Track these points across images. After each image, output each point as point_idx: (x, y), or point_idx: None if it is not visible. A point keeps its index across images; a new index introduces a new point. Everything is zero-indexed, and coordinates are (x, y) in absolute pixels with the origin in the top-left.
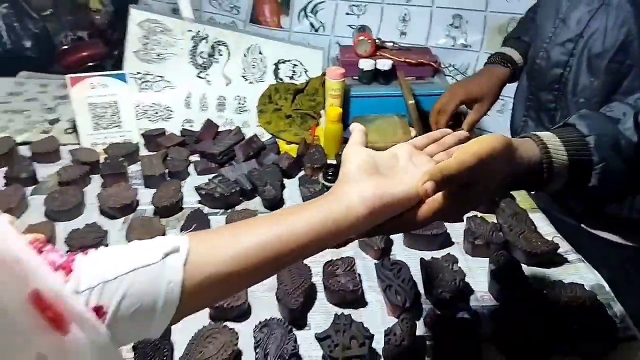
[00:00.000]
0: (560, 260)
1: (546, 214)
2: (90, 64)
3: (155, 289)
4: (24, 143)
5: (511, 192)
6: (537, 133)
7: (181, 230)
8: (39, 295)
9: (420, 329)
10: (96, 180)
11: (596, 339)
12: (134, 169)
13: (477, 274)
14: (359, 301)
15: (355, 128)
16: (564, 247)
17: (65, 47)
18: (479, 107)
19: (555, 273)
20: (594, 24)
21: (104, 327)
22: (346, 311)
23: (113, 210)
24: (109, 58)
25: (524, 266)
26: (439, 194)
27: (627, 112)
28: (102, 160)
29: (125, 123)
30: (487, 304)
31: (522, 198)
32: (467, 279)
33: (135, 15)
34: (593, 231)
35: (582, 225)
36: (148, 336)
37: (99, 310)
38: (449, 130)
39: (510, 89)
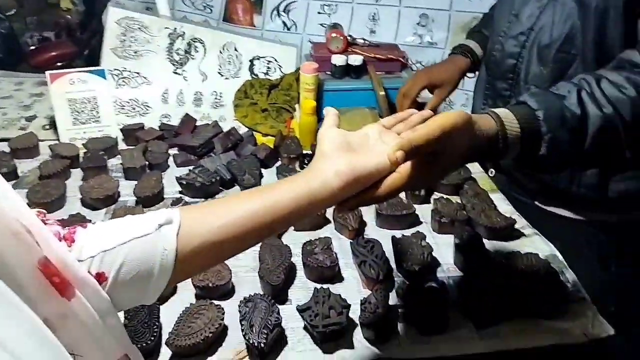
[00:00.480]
0: (518, 234)
1: (504, 194)
2: (59, 63)
3: (152, 257)
4: (2, 140)
5: (473, 176)
6: (494, 109)
7: None
8: (48, 262)
9: (393, 299)
10: (76, 174)
11: (550, 301)
12: (113, 162)
13: (444, 248)
14: (336, 277)
15: (329, 112)
16: (521, 223)
17: (33, 47)
18: (439, 92)
19: (513, 245)
20: (543, 19)
21: (105, 293)
22: (324, 286)
23: (96, 201)
24: (78, 58)
25: (485, 240)
26: (408, 164)
27: (571, 89)
28: (81, 154)
29: (104, 118)
30: (452, 275)
31: (483, 181)
32: (434, 253)
33: (114, 13)
34: (546, 207)
35: (536, 202)
36: (145, 301)
37: (100, 277)
38: (414, 110)
39: (473, 84)
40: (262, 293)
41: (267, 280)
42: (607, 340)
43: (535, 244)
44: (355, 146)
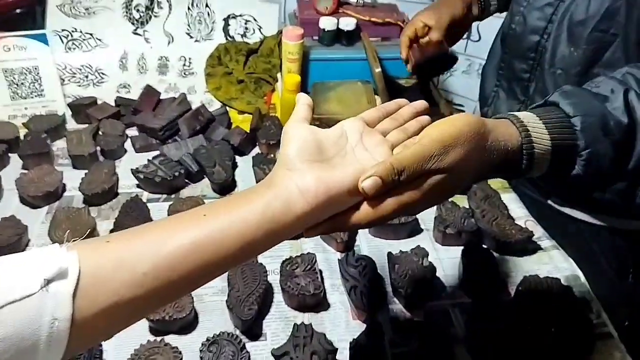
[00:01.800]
0: (534, 248)
1: (515, 190)
2: (19, 10)
3: (35, 330)
4: None
5: None
6: (515, 113)
7: (115, 224)
8: None
9: (388, 332)
10: (16, 161)
11: (574, 340)
12: (59, 145)
13: (448, 265)
14: (321, 304)
15: (300, 100)
16: (537, 232)
17: None
18: (438, 20)
19: (529, 262)
20: None
21: None
22: (307, 315)
23: (35, 199)
24: (39, 4)
25: (496, 255)
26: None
27: (615, 88)
28: (22, 136)
29: (49, 92)
30: (458, 301)
31: None
32: (437, 272)
33: None
34: (560, 208)
35: (549, 202)
36: None
37: None
38: (404, 100)
39: (477, 49)
40: (230, 326)
41: (237, 313)
42: None
43: (554, 261)
44: (328, 152)
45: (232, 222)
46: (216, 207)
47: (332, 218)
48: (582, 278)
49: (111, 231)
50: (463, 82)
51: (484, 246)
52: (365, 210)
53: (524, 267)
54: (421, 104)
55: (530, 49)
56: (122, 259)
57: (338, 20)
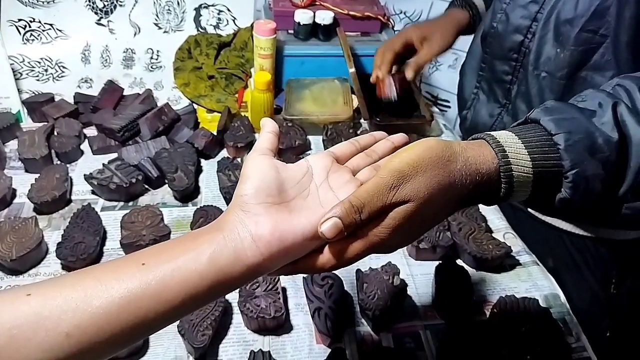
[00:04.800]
0: (512, 263)
1: None
2: None
3: None
4: None
5: None
6: (491, 133)
7: (63, 236)
8: None
9: (355, 357)
10: None
11: None
12: (13, 146)
13: (421, 282)
14: (283, 326)
15: (265, 127)
16: (517, 247)
17: None
18: (428, 47)
19: (506, 279)
20: None
21: None
22: (267, 339)
23: None
24: None
25: (472, 271)
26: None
27: (603, 102)
28: None
29: (1, 88)
30: (430, 323)
31: None
32: (409, 290)
33: None
34: (541, 217)
35: (529, 210)
36: None
37: None
38: (382, 133)
39: (465, 42)
40: (183, 357)
41: (189, 340)
42: None
43: (533, 278)
44: (290, 193)
45: (174, 272)
46: (157, 252)
47: (294, 263)
48: (562, 297)
49: (59, 244)
50: (449, 76)
51: (459, 262)
52: (328, 255)
53: (501, 284)
54: (400, 137)
55: (512, 49)
56: (43, 317)
57: (314, 13)
